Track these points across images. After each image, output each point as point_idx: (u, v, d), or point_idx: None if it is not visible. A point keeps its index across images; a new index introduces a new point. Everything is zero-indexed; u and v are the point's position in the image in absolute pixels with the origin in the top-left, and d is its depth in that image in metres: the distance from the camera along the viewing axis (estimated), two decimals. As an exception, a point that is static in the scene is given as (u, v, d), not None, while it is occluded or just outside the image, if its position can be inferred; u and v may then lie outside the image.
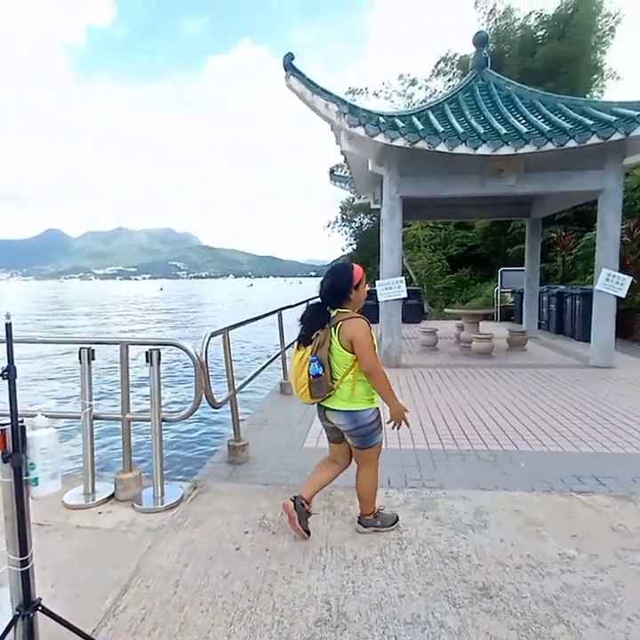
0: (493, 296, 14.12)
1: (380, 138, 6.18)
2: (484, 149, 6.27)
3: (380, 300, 7.08)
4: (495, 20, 22.20)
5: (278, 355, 5.64)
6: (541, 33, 23.17)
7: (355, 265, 2.55)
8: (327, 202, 34.21)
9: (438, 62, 22.69)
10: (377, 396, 2.51)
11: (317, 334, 2.42)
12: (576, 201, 8.89)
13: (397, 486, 3.30)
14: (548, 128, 6.39)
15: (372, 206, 9.46)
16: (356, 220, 24.30)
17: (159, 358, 2.94)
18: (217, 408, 3.28)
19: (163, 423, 3.07)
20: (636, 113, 6.27)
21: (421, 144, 6.23)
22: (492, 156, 6.36)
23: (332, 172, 10.81)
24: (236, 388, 3.69)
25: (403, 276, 7.32)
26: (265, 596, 2.16)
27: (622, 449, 3.92)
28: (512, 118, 6.84)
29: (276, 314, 5.55)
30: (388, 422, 2.53)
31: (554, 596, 2.15)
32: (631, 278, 7.11)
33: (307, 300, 7.45)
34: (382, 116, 6.45)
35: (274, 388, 6.17)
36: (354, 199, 12.89)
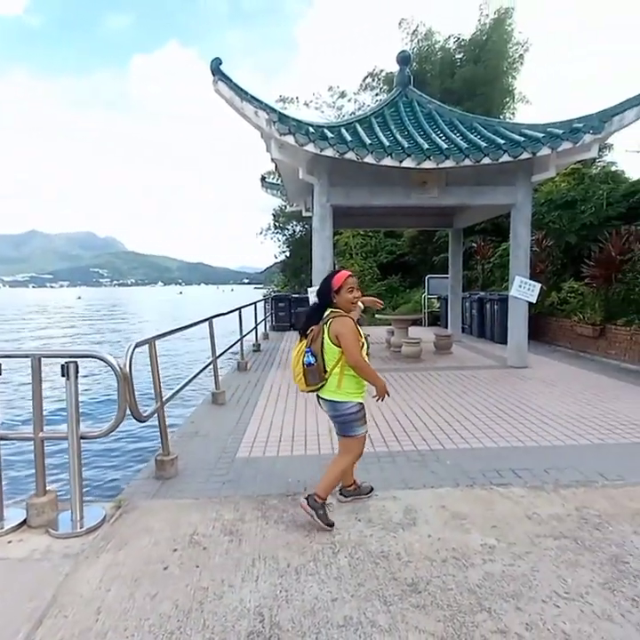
0: (421, 302, 14.79)
1: (310, 147, 6.28)
2: (408, 163, 6.57)
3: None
4: (418, 41, 23.40)
5: (209, 364, 5.50)
6: (460, 56, 24.69)
7: (339, 272, 2.84)
8: (260, 209, 34.10)
9: (366, 77, 23.53)
10: (362, 391, 2.86)
11: (312, 329, 2.79)
12: (492, 213, 9.57)
13: (332, 491, 3.33)
14: (466, 145, 6.84)
15: (304, 214, 9.57)
16: (289, 227, 24.42)
17: (77, 371, 2.76)
18: (142, 422, 3.13)
19: (83, 441, 2.87)
20: (542, 135, 6.88)
21: (350, 155, 6.41)
22: (415, 169, 6.69)
23: (263, 179, 10.81)
24: (164, 399, 3.54)
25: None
26: (195, 613, 2.08)
27: (536, 442, 4.25)
28: (433, 134, 7.25)
29: (207, 322, 5.41)
30: (374, 396, 2.88)
31: (477, 585, 2.27)
32: (540, 285, 7.76)
33: (239, 308, 7.38)
34: (312, 125, 6.56)
35: (206, 399, 6.00)
36: (286, 207, 12.95)
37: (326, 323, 2.75)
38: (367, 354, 2.96)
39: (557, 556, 2.51)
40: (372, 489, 3.25)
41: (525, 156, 6.75)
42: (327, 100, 23.36)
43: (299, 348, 2.87)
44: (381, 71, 22.97)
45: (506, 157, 6.73)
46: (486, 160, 6.71)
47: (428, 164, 6.61)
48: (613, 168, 18.88)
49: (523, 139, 6.89)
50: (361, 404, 2.85)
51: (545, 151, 6.73)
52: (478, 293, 11.81)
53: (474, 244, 14.25)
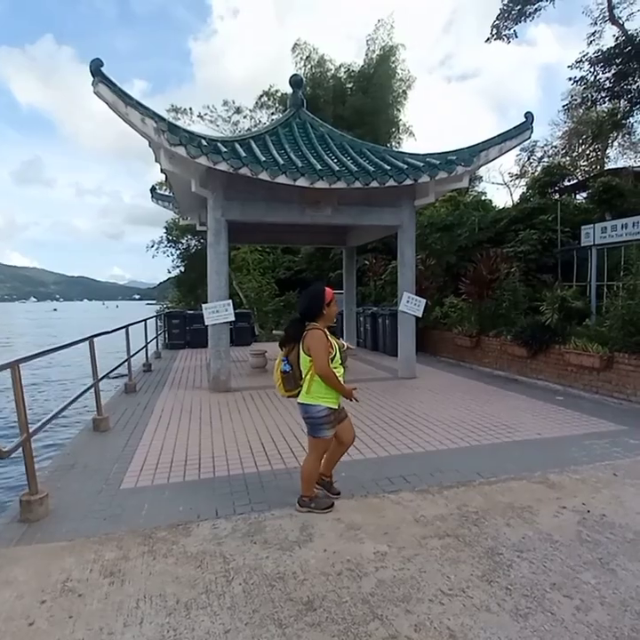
0: (318, 317, 15.13)
1: (203, 160, 6.15)
2: (302, 182, 6.74)
3: (207, 323, 6.93)
4: (311, 67, 24.35)
5: (89, 388, 5.00)
6: (350, 85, 26.14)
7: (327, 288, 3.17)
8: (152, 221, 32.42)
9: (261, 95, 23.88)
10: (334, 397, 3.12)
11: (288, 342, 3.16)
12: (381, 233, 10.17)
13: (225, 515, 3.20)
14: (356, 168, 7.22)
15: (198, 228, 9.30)
16: (183, 241, 23.55)
17: None
18: (3, 458, 2.72)
19: None
20: (422, 164, 7.52)
21: (244, 170, 6.39)
22: (309, 188, 6.88)
23: (153, 189, 10.31)
24: (31, 431, 3.13)
25: (232, 299, 7.31)
26: (65, 675, 1.83)
27: (423, 448, 4.53)
28: (326, 156, 7.54)
29: (88, 342, 4.93)
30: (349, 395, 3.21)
31: (369, 594, 2.32)
32: (426, 300, 8.40)
33: (126, 326, 6.86)
34: (205, 138, 6.43)
35: (86, 425, 5.45)
36: (180, 219, 12.48)
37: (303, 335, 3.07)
38: (341, 364, 3.25)
39: (442, 555, 2.67)
40: (339, 493, 3.43)
41: (408, 182, 7.31)
42: (222, 115, 23.23)
43: (278, 360, 3.26)
44: (276, 91, 23.49)
45: (392, 182, 7.22)
46: (374, 183, 7.13)
47: (320, 184, 6.84)
48: (483, 197, 21.38)
49: (406, 166, 7.46)
50: (330, 408, 3.11)
51: (425, 179, 7.36)
52: (371, 308, 12.43)
53: (367, 262, 15.01)
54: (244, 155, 6.52)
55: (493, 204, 17.99)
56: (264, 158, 6.67)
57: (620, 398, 6.27)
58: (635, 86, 16.97)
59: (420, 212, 17.86)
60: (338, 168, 7.06)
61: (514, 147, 7.47)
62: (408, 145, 25.62)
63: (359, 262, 16.42)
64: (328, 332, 3.12)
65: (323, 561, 2.61)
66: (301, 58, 23.88)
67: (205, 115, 22.67)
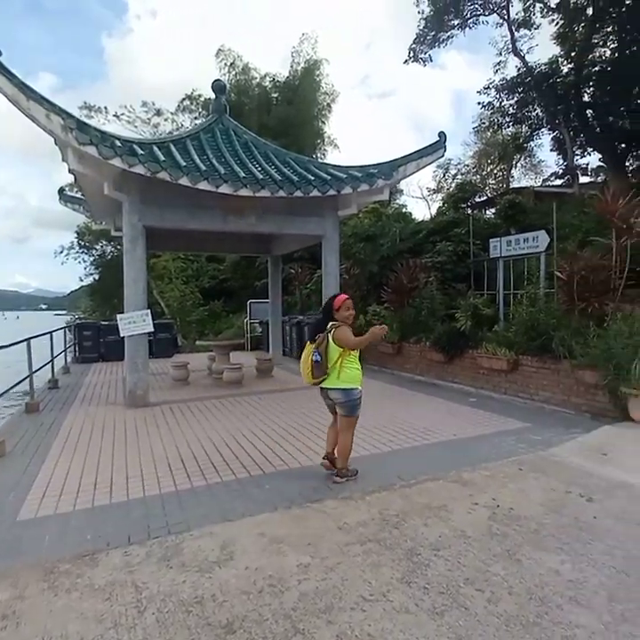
0: (244, 327, 14.91)
1: (117, 162, 5.82)
2: (225, 189, 6.62)
3: (122, 334, 6.53)
4: (236, 74, 24.16)
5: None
6: (275, 95, 26.20)
7: (339, 296, 3.94)
8: (62, 225, 30.12)
9: (184, 99, 23.26)
10: (361, 381, 3.92)
11: (319, 336, 3.79)
12: (307, 242, 10.27)
13: (139, 541, 2.99)
14: (280, 177, 7.24)
15: (114, 233, 8.78)
16: (98, 246, 22.09)
17: None
18: None
19: None
20: (345, 176, 7.72)
21: (163, 175, 6.15)
22: (232, 195, 6.77)
23: (62, 191, 9.57)
24: None
25: (153, 308, 6.97)
26: None
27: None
28: (250, 164, 7.49)
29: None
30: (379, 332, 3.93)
31: (292, 608, 2.27)
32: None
33: (28, 339, 6.25)
34: (119, 139, 6.10)
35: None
36: (93, 223, 11.70)
37: (330, 331, 3.78)
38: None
39: (364, 561, 2.69)
40: (357, 471, 3.99)
41: (332, 192, 7.46)
42: (141, 116, 22.24)
43: (307, 351, 3.83)
44: (199, 95, 23.01)
45: (315, 192, 7.33)
46: (298, 193, 7.19)
47: (244, 192, 6.77)
48: (404, 210, 22.41)
49: (329, 177, 7.61)
50: (361, 391, 3.90)
51: (348, 190, 7.55)
52: (297, 317, 12.46)
53: (293, 271, 15.06)
54: (162, 158, 6.27)
55: (413, 217, 18.92)
56: (184, 163, 6.46)
57: (525, 397, 6.80)
58: (534, 114, 18.81)
59: (344, 222, 18.31)
60: (262, 176, 7.03)
61: (429, 163, 7.92)
62: (332, 157, 26.21)
63: (285, 271, 16.48)
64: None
65: (244, 579, 2.52)
66: (225, 64, 23.65)
67: (122, 115, 21.57)
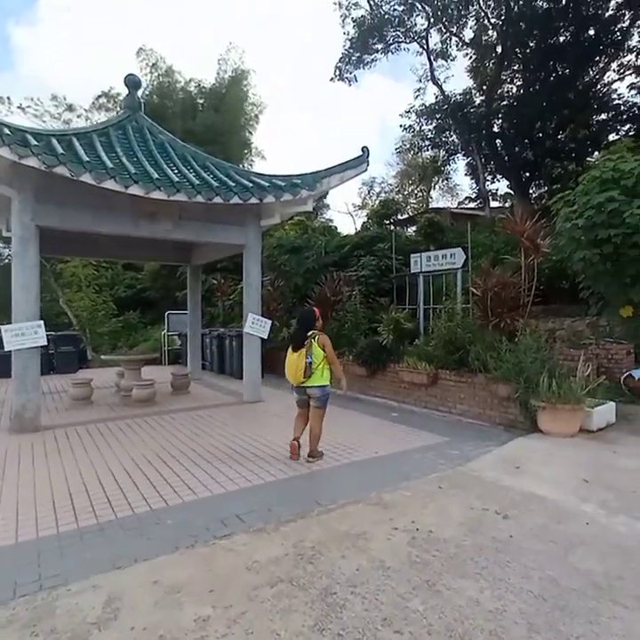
0: (162, 339, 14.03)
1: (5, 152, 5.11)
2: (135, 190, 6.09)
3: (7, 348, 5.69)
4: (158, 75, 23.25)
5: None
6: (201, 101, 25.69)
7: (314, 309, 4.91)
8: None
9: (99, 96, 21.90)
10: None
11: (305, 343, 4.48)
12: (228, 252, 9.86)
13: (1, 601, 2.45)
14: (198, 182, 6.83)
15: (5, 234, 7.78)
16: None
17: None
18: None
19: None
20: (268, 184, 7.47)
21: (61, 170, 5.50)
22: (145, 198, 6.25)
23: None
24: None
25: (59, 319, 6.16)
26: None
27: (262, 479, 4.24)
28: (165, 166, 6.99)
29: None
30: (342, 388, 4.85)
31: (183, 679, 1.91)
32: (271, 321, 8.29)
33: None
34: (9, 126, 5.37)
35: None
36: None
37: (314, 337, 4.54)
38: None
39: (273, 607, 2.39)
40: (322, 454, 4.84)
41: (254, 200, 7.18)
42: (51, 110, 20.53)
43: (297, 355, 4.50)
44: (118, 94, 21.75)
45: (236, 200, 7.00)
46: (218, 199, 6.82)
47: (157, 195, 6.27)
48: (330, 224, 22.67)
49: (251, 185, 7.33)
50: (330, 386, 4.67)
51: (270, 199, 7.31)
52: (218, 330, 11.93)
53: (215, 282, 14.50)
54: (61, 152, 5.62)
55: (339, 231, 19.14)
56: (88, 159, 5.84)
57: (444, 411, 6.90)
58: (451, 139, 19.98)
59: (269, 233, 18.12)
60: (178, 179, 6.58)
61: (353, 176, 7.92)
62: (260, 168, 25.97)
63: (208, 282, 15.87)
64: None
65: (127, 645, 2.11)
66: (147, 64, 22.67)
67: (28, 107, 19.74)
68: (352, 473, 4.44)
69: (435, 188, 30.72)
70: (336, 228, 20.73)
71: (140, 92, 8.63)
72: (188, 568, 2.77)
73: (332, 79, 18.76)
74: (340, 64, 18.19)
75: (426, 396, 7.27)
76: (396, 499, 3.75)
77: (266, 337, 8.03)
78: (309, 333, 4.56)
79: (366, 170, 7.89)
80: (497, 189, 23.26)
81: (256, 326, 7.81)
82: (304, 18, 49.35)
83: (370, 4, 16.82)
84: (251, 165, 25.62)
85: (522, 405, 5.56)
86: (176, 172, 7.03)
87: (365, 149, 7.81)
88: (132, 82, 8.05)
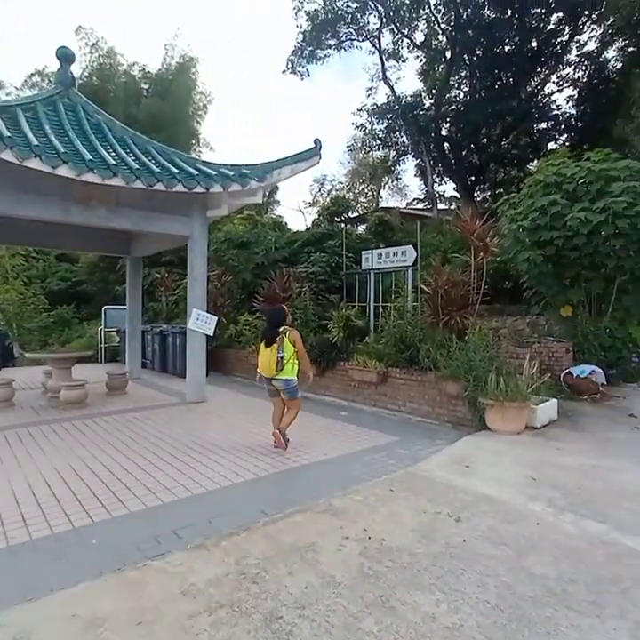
0: (98, 336, 13.14)
1: None
2: (65, 171, 5.53)
3: None
4: (99, 56, 21.90)
5: None
6: (146, 86, 24.55)
7: (282, 305, 5.44)
8: None
9: (33, 74, 20.30)
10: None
11: (276, 339, 4.77)
12: (172, 244, 9.33)
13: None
14: (137, 166, 6.33)
15: None
16: None
17: None
18: None
19: None
20: (214, 173, 7.08)
21: (-25, 144, 4.87)
22: (76, 180, 5.69)
23: None
24: None
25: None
26: None
27: (204, 488, 3.92)
28: (100, 147, 6.44)
29: None
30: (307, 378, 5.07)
31: None
32: (218, 317, 7.90)
33: None
34: None
35: None
36: None
37: (285, 333, 4.79)
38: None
39: (211, 638, 2.11)
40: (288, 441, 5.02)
41: (199, 189, 6.77)
42: (-25, 86, 18.78)
43: (270, 350, 4.75)
44: (52, 73, 20.21)
45: (180, 187, 6.57)
46: (160, 186, 6.37)
47: (90, 177, 5.74)
48: (280, 220, 22.33)
49: (197, 172, 6.91)
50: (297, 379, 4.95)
51: (217, 188, 6.93)
52: (161, 326, 11.32)
53: (159, 275, 13.79)
54: (-25, 123, 4.98)
55: (289, 227, 18.87)
56: (9, 134, 5.22)
57: (394, 409, 6.84)
58: (401, 140, 20.23)
59: (218, 228, 17.57)
60: (114, 162, 6.06)
61: (305, 169, 7.68)
62: (208, 159, 25.12)
63: (151, 275, 15.09)
64: None
65: (30, 702, 1.76)
66: (86, 43, 21.31)
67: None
68: (300, 477, 4.22)
69: (384, 188, 31.18)
70: (286, 223, 20.47)
71: (77, 72, 8.02)
72: (114, 597, 2.43)
73: (284, 71, 18.46)
74: (292, 57, 17.91)
75: (376, 394, 7.18)
76: (347, 504, 3.57)
77: (211, 334, 7.64)
78: (280, 329, 4.83)
79: (318, 162, 7.68)
80: (444, 191, 23.92)
81: (201, 323, 7.40)
82: (258, 6, 48.43)
83: (323, -1, 16.63)
84: (198, 156, 24.74)
85: (470, 403, 5.57)
86: (113, 154, 6.49)
87: (318, 142, 7.60)
88: (63, 55, 7.36)
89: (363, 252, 8.74)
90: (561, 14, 17.03)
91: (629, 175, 7.34)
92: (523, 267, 7.57)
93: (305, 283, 10.20)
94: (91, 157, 5.82)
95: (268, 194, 31.71)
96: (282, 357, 4.72)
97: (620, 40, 13.47)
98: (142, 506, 3.56)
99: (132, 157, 6.73)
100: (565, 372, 7.08)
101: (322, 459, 4.71)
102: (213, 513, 3.43)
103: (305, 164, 7.61)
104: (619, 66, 16.61)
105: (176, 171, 6.72)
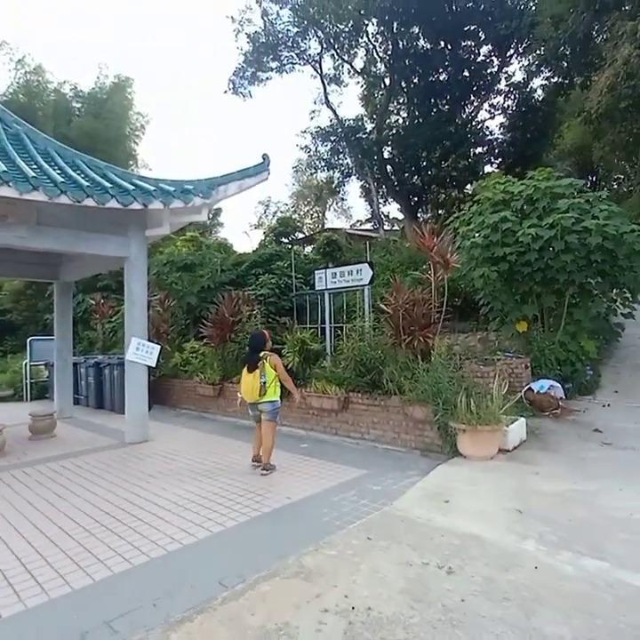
0: (23, 371, 11.78)
1: None
2: (-27, 183, 4.75)
3: None
4: (25, 73, 20.69)
5: None
6: (78, 105, 23.65)
7: (264, 332, 5.43)
8: None
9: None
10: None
11: (258, 365, 4.88)
12: (108, 266, 8.53)
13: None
14: (62, 179, 5.63)
15: None
16: None
17: None
18: None
19: None
20: (153, 188, 6.48)
21: None
22: (-13, 194, 4.91)
23: None
24: None
25: None
26: None
27: (146, 556, 3.24)
28: (19, 159, 5.68)
29: None
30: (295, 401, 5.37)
31: None
32: (160, 346, 7.18)
33: None
34: None
35: None
36: None
37: (265, 359, 4.96)
38: None
39: None
40: (275, 467, 5.08)
41: (137, 206, 6.14)
42: None
43: (253, 376, 4.89)
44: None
45: (114, 203, 5.91)
46: (90, 202, 5.68)
47: (6, 191, 4.98)
48: (226, 242, 21.71)
49: (133, 187, 6.29)
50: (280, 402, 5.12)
51: (157, 205, 6.33)
52: (96, 357, 10.31)
53: (93, 302, 12.72)
54: None
55: (235, 249, 18.32)
56: None
57: (357, 438, 6.40)
58: (345, 162, 20.41)
59: (159, 250, 16.68)
60: (35, 174, 5.33)
61: (253, 185, 7.24)
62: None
63: (85, 302, 13.95)
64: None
65: None
66: (11, 59, 20.06)
67: None
68: (263, 530, 3.64)
69: (329, 210, 31.42)
70: (232, 245, 19.89)
71: (1, 88, 7.14)
72: None
73: (225, 91, 18.15)
74: (233, 77, 17.68)
75: (336, 422, 6.72)
76: (321, 563, 3.05)
77: (153, 364, 6.89)
78: (261, 354, 4.94)
79: (267, 178, 7.28)
80: (388, 212, 24.37)
81: (141, 353, 6.65)
82: (201, 26, 48.30)
83: (264, 21, 16.60)
84: (137, 178, 23.74)
85: (440, 429, 5.24)
86: (34, 167, 5.76)
87: (266, 157, 7.21)
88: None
89: (316, 272, 8.37)
90: (490, 47, 18.08)
91: (571, 193, 7.54)
92: (478, 283, 7.49)
93: (255, 305, 9.67)
94: (5, 169, 5.07)
95: (211, 216, 31.08)
96: (264, 382, 4.83)
97: (547, 71, 14.39)
98: (68, 588, 2.85)
99: (58, 171, 6.01)
100: (526, 388, 6.99)
101: (286, 503, 4.15)
102: (159, 590, 2.79)
103: (253, 179, 7.18)
104: (544, 96, 17.80)
105: (109, 185, 6.06)
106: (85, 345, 14.70)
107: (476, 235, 7.57)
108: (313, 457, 5.64)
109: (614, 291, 7.90)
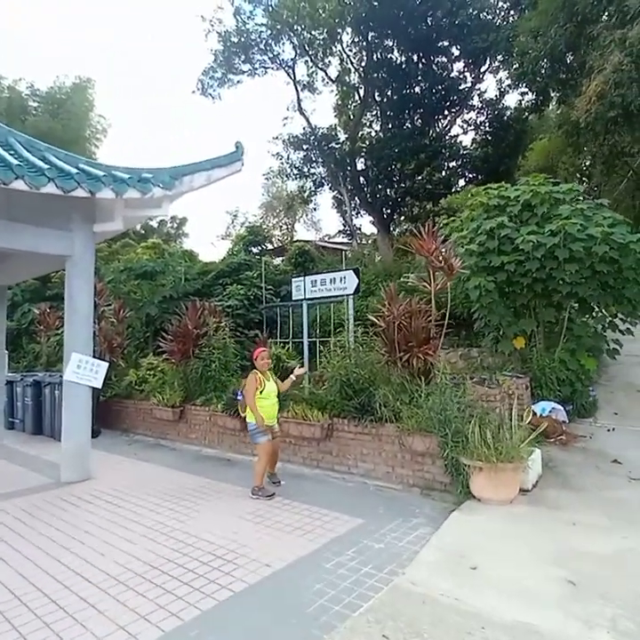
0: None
1: None
2: None
3: None
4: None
5: None
6: (34, 104, 22.61)
7: (257, 349, 5.08)
8: None
9: None
10: (252, 417, 4.71)
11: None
12: (49, 267, 7.34)
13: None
14: (-15, 155, 4.52)
15: None
16: None
17: None
18: None
19: None
20: (103, 173, 5.44)
21: None
22: None
23: None
24: None
25: None
26: None
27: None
28: None
29: None
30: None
31: None
32: (108, 363, 6.05)
33: None
34: None
35: None
36: None
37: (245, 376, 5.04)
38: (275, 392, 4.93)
39: None
40: (279, 482, 5.07)
41: (81, 193, 5.07)
42: None
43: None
44: None
45: (53, 189, 4.83)
46: (21, 185, 4.59)
47: None
48: (190, 251, 20.52)
49: (78, 171, 5.22)
50: (253, 423, 4.70)
51: (108, 194, 5.28)
52: (37, 375, 8.95)
53: (37, 311, 11.31)
54: None
55: (200, 257, 17.20)
56: None
57: (342, 471, 5.45)
58: (317, 171, 19.74)
59: (117, 257, 15.36)
60: (-54, 145, 4.21)
61: (224, 176, 6.28)
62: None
63: (30, 313, 12.53)
64: (263, 373, 4.87)
65: None
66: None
67: None
68: (234, 619, 2.63)
69: (299, 221, 30.70)
70: (197, 254, 18.74)
71: None
72: None
73: (193, 92, 17.19)
74: (202, 77, 16.75)
75: (318, 452, 5.75)
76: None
77: (99, 386, 5.74)
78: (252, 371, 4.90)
79: (240, 169, 6.33)
80: (361, 225, 23.82)
81: (83, 371, 5.49)
82: (169, 26, 47.19)
83: (236, 20, 15.85)
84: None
85: (448, 465, 4.36)
86: (-50, 139, 4.62)
87: (239, 145, 6.29)
88: None
89: (293, 280, 7.44)
90: (463, 63, 17.98)
91: (572, 198, 7.01)
92: (473, 295, 6.76)
93: (222, 317, 8.62)
94: None
95: (176, 226, 29.66)
96: (239, 400, 4.98)
97: (523, 85, 14.30)
98: None
99: (-19, 147, 4.89)
100: (527, 410, 6.27)
101: (264, 575, 3.14)
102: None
103: (224, 170, 6.22)
104: (516, 114, 17.77)
105: (47, 167, 4.98)
106: (30, 359, 13.18)
107: (470, 242, 6.89)
108: (294, 499, 4.63)
109: (615, 305, 7.36)
